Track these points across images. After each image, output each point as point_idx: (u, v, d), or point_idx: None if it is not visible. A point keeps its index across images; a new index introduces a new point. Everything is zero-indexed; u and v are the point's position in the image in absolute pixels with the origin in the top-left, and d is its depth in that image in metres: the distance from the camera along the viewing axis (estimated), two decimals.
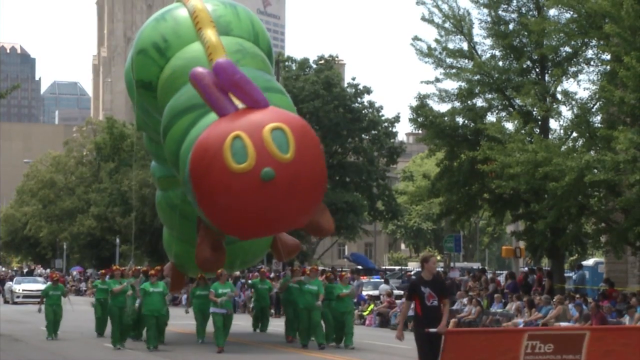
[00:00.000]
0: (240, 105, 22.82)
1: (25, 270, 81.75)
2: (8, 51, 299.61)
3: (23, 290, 54.36)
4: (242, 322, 32.95)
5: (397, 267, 78.11)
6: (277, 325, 32.02)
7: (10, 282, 57.95)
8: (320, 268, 40.68)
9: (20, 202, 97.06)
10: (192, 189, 22.68)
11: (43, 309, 29.70)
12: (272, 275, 42.92)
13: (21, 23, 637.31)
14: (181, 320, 31.67)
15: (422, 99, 37.67)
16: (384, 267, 79.70)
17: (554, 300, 30.54)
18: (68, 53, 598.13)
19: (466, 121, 37.27)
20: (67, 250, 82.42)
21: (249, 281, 37.36)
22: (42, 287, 50.15)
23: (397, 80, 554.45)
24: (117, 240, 70.40)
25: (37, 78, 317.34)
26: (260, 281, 31.34)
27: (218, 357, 24.82)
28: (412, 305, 15.93)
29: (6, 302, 55.03)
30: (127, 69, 29.26)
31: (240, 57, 25.32)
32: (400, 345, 27.77)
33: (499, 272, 53.30)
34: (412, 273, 49.28)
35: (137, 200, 64.70)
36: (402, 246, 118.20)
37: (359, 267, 71.09)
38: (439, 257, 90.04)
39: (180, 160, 23.99)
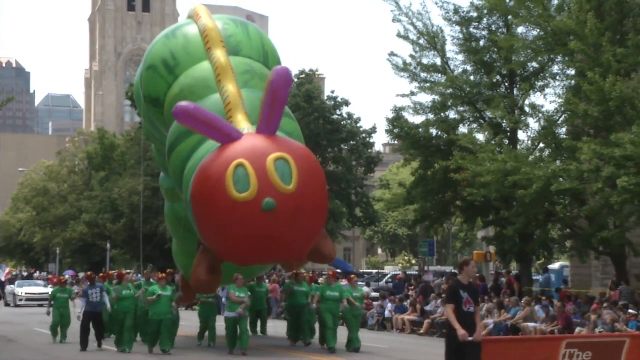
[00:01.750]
0: (245, 129, 22.30)
1: (25, 274, 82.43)
2: (4, 65, 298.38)
3: (26, 293, 54.12)
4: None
5: (374, 271, 78.89)
6: (270, 327, 31.53)
7: (11, 286, 57.63)
8: (302, 272, 41.37)
9: (15, 209, 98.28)
10: (193, 213, 22.32)
11: (52, 312, 29.00)
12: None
13: (16, 38, 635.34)
14: (183, 322, 30.72)
15: (398, 111, 38.50)
16: (362, 271, 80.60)
17: (522, 302, 30.77)
18: (61, 67, 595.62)
19: (440, 132, 38.01)
20: (60, 255, 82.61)
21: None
22: (43, 290, 50.77)
23: (374, 93, 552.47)
24: (108, 246, 71.25)
25: (31, 91, 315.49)
26: (257, 284, 30.09)
27: None
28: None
29: (7, 304, 54.58)
30: (137, 82, 28.76)
31: (249, 79, 24.86)
32: (379, 345, 28.03)
33: None
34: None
35: (127, 207, 65.77)
36: (379, 251, 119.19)
37: (339, 270, 71.91)
38: (413, 262, 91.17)
39: (184, 180, 23.44)
